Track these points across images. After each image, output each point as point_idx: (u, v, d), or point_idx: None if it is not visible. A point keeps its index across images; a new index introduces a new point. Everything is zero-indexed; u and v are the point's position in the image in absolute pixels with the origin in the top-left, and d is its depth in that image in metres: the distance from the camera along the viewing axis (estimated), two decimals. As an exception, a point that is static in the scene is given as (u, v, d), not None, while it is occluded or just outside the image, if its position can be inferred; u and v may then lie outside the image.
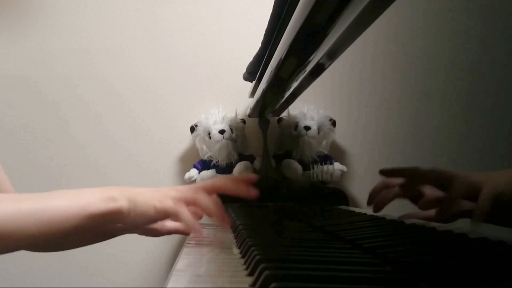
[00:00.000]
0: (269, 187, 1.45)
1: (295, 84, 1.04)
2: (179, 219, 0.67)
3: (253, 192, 0.73)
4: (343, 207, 1.40)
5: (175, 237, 1.48)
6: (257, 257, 0.50)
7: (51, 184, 1.58)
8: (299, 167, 1.48)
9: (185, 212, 0.67)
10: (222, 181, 0.76)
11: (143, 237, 1.03)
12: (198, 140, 1.52)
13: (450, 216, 0.84)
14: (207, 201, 0.69)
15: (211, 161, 1.50)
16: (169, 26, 1.65)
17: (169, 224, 0.86)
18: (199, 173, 1.51)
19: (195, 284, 0.46)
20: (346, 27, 0.70)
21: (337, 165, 1.50)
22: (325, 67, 0.98)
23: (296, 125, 1.50)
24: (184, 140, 1.60)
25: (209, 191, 0.72)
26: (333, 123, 1.52)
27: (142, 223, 0.69)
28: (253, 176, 0.79)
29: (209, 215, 0.71)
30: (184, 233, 0.89)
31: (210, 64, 1.64)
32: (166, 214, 0.67)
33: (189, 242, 0.73)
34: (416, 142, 1.63)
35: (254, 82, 1.34)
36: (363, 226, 0.84)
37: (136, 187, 0.70)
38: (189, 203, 0.69)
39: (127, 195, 0.65)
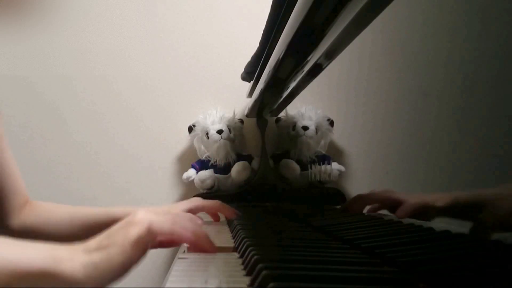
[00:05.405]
0: (267, 187, 1.45)
1: (293, 84, 1.04)
2: (179, 236, 0.58)
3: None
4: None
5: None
6: (255, 257, 0.50)
7: (50, 184, 1.57)
8: (297, 167, 1.48)
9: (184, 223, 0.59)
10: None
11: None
12: (196, 140, 1.52)
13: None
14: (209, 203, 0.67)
15: (209, 161, 1.50)
16: (168, 26, 1.64)
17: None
18: (197, 173, 1.51)
19: (193, 284, 0.46)
20: (344, 27, 0.70)
21: (335, 165, 1.50)
22: (323, 67, 0.98)
23: (294, 125, 1.49)
24: (182, 140, 1.60)
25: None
26: (331, 123, 1.51)
27: (122, 272, 0.50)
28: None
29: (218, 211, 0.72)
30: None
31: (208, 64, 1.63)
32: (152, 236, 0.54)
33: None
34: (414, 142, 1.63)
35: (252, 82, 1.33)
36: (361, 226, 0.84)
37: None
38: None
39: (82, 259, 0.49)
